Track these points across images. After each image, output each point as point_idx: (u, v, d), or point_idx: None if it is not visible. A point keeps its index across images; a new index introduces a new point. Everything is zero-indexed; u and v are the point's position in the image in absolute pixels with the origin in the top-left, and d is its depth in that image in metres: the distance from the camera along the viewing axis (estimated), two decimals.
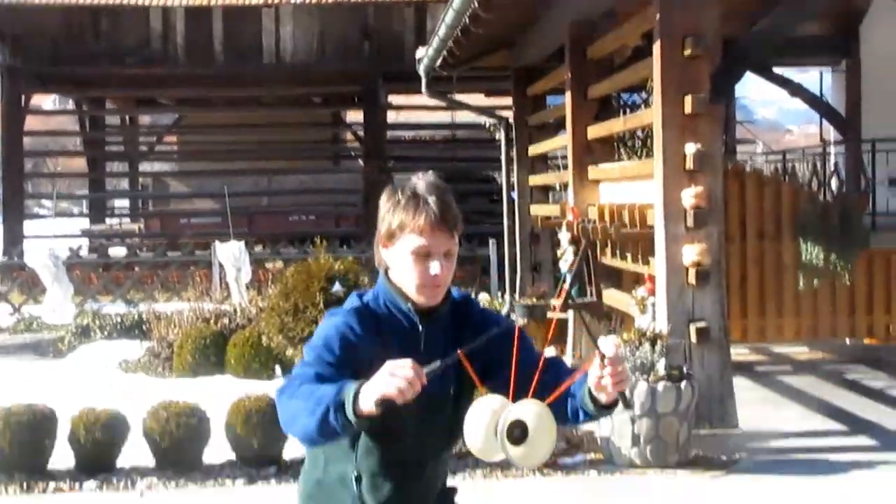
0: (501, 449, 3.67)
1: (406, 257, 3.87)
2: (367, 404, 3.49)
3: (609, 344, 3.79)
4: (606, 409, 3.83)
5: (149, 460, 10.10)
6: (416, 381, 3.48)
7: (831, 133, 19.77)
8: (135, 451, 10.10)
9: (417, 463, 4.05)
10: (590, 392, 3.80)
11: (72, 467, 10.12)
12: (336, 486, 4.03)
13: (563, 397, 3.98)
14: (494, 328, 3.96)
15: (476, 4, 13.00)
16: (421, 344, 3.91)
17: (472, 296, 4.24)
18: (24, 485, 9.87)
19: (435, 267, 3.85)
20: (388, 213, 3.94)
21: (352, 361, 3.80)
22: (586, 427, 11.02)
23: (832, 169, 18.33)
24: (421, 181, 3.95)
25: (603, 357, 3.69)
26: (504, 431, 3.64)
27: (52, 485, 9.89)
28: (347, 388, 3.58)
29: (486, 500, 9.44)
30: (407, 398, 3.48)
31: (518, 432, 3.64)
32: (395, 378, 3.46)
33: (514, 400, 3.75)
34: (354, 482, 3.95)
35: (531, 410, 3.68)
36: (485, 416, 3.70)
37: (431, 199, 3.86)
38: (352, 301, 4.00)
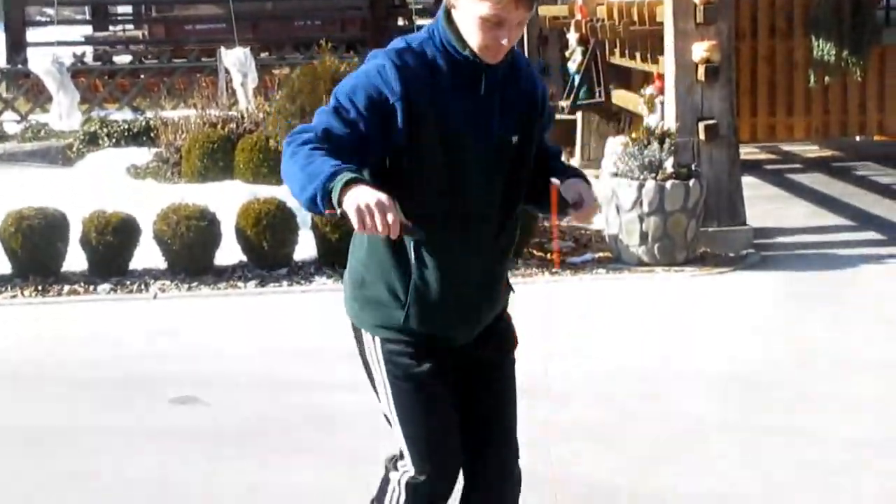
0: None
1: (475, 20, 3.64)
2: (348, 207, 3.35)
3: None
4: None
5: (161, 263, 10.18)
6: (384, 226, 3.32)
7: None
8: (147, 255, 10.18)
9: (479, 219, 3.82)
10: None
11: (85, 270, 10.23)
12: (390, 258, 3.79)
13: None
14: (531, 84, 3.90)
15: None
16: (482, 87, 3.73)
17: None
18: (39, 287, 10.01)
19: (504, 36, 3.64)
20: None
21: (380, 116, 3.61)
22: (594, 226, 11.12)
23: None
24: None
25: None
26: None
27: (66, 287, 10.02)
28: (338, 178, 3.40)
29: None
30: (370, 231, 3.35)
31: None
32: (367, 209, 3.31)
33: None
34: (412, 248, 3.74)
35: None
36: None
37: None
38: (396, 43, 3.76)
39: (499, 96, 3.77)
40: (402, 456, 3.96)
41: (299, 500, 5.70)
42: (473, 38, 3.66)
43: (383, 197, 3.33)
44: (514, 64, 3.83)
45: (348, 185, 3.36)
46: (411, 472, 3.90)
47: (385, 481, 4.00)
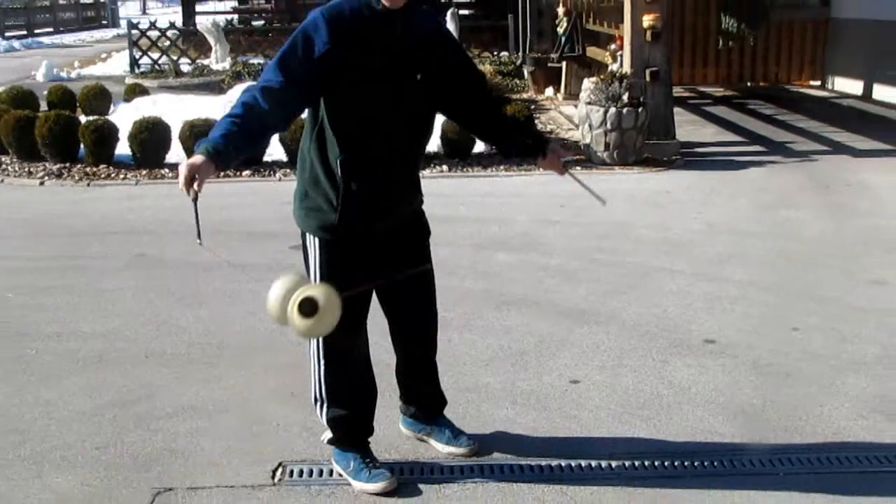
0: (290, 319, 3.28)
1: None
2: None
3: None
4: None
5: (283, 157, 10.08)
6: (187, 188, 3.22)
7: None
8: (278, 153, 10.15)
9: (395, 149, 3.62)
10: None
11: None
12: (324, 176, 3.58)
13: (503, 132, 4.01)
14: (431, 25, 3.71)
15: None
16: (389, 29, 3.47)
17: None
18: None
19: None
20: None
21: (312, 59, 3.39)
22: (574, 137, 11.11)
23: None
24: None
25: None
26: (295, 305, 3.26)
27: (222, 174, 10.01)
28: (197, 146, 3.31)
29: (491, 190, 9.54)
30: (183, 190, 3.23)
31: (308, 307, 3.27)
32: (181, 174, 3.21)
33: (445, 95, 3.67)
34: (339, 167, 3.53)
35: (322, 291, 3.32)
36: (281, 287, 3.32)
37: None
38: (331, 2, 3.50)
39: (406, 37, 3.53)
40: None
41: None
42: None
43: (185, 171, 3.20)
44: (417, 13, 3.58)
45: (197, 151, 3.27)
46: None
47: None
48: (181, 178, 3.22)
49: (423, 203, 3.91)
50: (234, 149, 3.33)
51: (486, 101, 3.94)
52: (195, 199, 3.28)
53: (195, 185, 3.23)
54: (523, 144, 4.01)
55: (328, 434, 3.85)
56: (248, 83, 15.61)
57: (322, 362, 3.72)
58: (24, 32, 38.78)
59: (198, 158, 3.25)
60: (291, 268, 3.59)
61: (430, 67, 3.60)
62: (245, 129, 3.35)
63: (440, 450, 4.04)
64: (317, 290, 3.32)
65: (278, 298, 3.30)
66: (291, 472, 3.91)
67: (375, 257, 3.70)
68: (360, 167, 3.55)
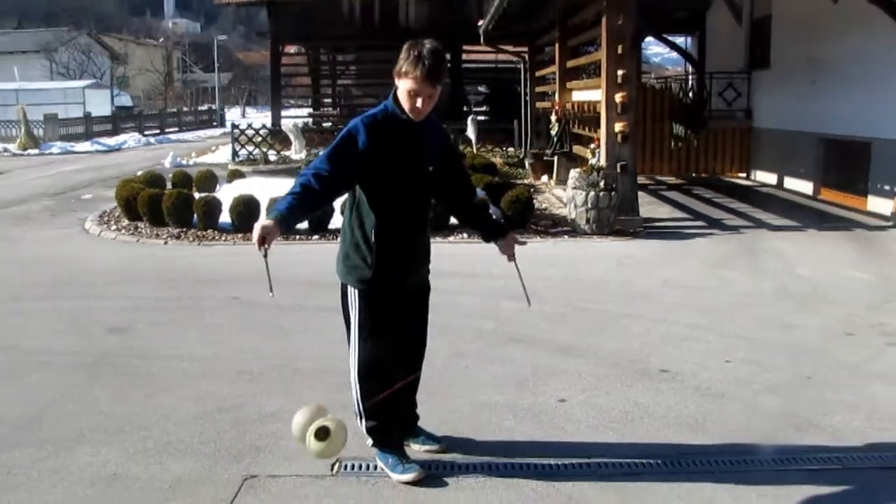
0: (306, 441, 3.51)
1: (405, 91, 3.48)
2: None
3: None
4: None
5: None
6: (259, 245, 3.30)
7: (689, 69, 19.45)
8: (339, 221, 10.12)
9: (413, 221, 3.65)
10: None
11: (306, 228, 10.08)
12: (361, 240, 3.60)
13: (476, 218, 3.97)
14: (441, 135, 3.74)
15: (506, 3, 12.96)
16: (412, 136, 3.54)
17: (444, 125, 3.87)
18: (284, 237, 10.00)
19: (419, 103, 3.48)
20: (403, 59, 3.46)
21: (354, 155, 3.45)
22: (563, 213, 11.11)
23: (690, 87, 18.08)
24: (427, 46, 3.45)
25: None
26: (313, 432, 3.50)
27: (297, 237, 9.95)
28: (270, 212, 3.41)
29: (499, 253, 9.53)
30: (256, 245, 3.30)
31: (322, 434, 3.50)
32: (255, 234, 3.28)
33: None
34: (373, 234, 3.55)
35: (335, 421, 3.54)
36: (303, 418, 3.56)
37: (428, 62, 3.41)
38: (367, 113, 3.56)
39: (422, 141, 3.59)
40: (352, 351, 3.72)
41: None
42: (405, 104, 3.50)
43: (258, 232, 3.28)
44: (431, 124, 3.63)
45: (268, 218, 3.35)
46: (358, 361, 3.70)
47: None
48: (255, 237, 3.31)
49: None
50: (293, 217, 3.44)
51: (470, 192, 3.99)
52: (265, 255, 3.34)
53: (266, 244, 3.30)
54: (490, 225, 3.99)
55: (370, 440, 3.84)
56: None
57: (358, 387, 3.72)
58: (157, 131, 39.32)
59: (267, 222, 3.33)
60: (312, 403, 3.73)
61: (439, 163, 3.67)
62: (302, 204, 3.44)
63: (416, 449, 3.99)
64: (330, 421, 3.52)
65: (301, 424, 3.54)
66: (346, 465, 3.88)
67: (399, 304, 3.69)
68: (388, 234, 3.57)
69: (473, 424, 4.30)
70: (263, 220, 3.35)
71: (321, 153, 3.56)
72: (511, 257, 3.99)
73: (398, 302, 3.68)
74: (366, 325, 3.64)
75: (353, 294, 3.67)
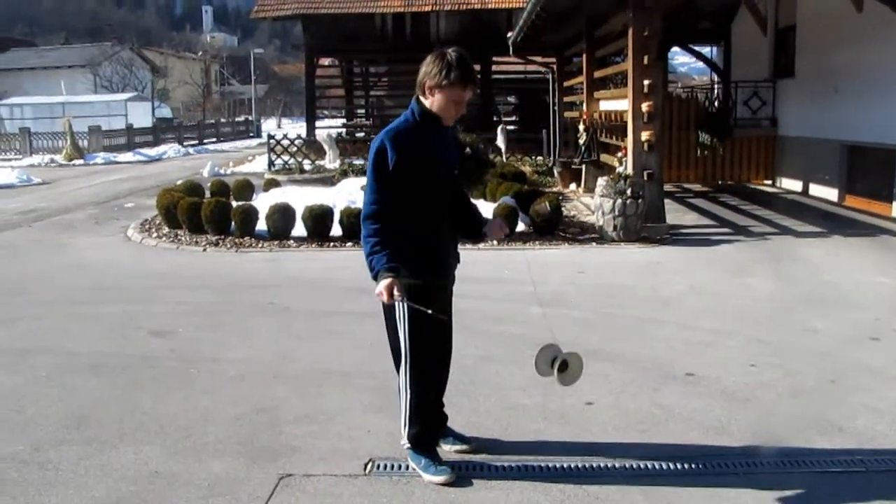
0: (553, 374, 3.71)
1: (446, 101, 3.52)
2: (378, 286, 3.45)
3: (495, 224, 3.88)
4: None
5: None
6: (386, 298, 3.45)
7: (715, 78, 19.31)
8: None
9: (442, 213, 3.68)
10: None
11: (340, 235, 10.25)
12: (406, 246, 3.58)
13: (465, 213, 3.87)
14: (454, 136, 3.90)
15: (535, 15, 12.89)
16: (439, 139, 3.61)
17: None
18: (317, 244, 10.12)
19: (461, 109, 3.58)
20: (436, 72, 3.50)
21: (388, 165, 3.49)
22: (591, 220, 11.08)
23: (715, 95, 17.96)
24: (453, 55, 3.51)
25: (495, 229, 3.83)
26: (557, 366, 3.71)
27: (331, 244, 10.13)
28: (379, 273, 3.46)
29: (527, 260, 9.51)
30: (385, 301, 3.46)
31: (563, 366, 3.71)
32: (381, 291, 3.43)
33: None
34: (414, 237, 3.57)
35: (573, 355, 3.74)
36: (546, 355, 3.73)
37: (461, 68, 3.48)
38: (390, 125, 3.60)
39: (446, 145, 3.68)
40: (405, 362, 3.69)
41: None
42: (445, 111, 3.57)
43: (384, 288, 3.44)
44: (449, 130, 3.70)
45: (380, 275, 3.46)
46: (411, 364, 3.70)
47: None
48: (385, 298, 3.48)
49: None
50: (391, 258, 3.51)
51: (462, 191, 3.99)
52: (404, 300, 3.54)
53: (396, 293, 3.48)
54: (476, 218, 3.91)
55: (406, 442, 3.84)
56: (352, 178, 15.95)
57: (409, 394, 3.72)
58: (196, 141, 39.75)
59: (386, 280, 3.47)
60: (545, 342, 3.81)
61: (458, 164, 3.77)
62: (384, 243, 3.51)
63: (447, 450, 4.00)
64: (571, 356, 3.74)
65: (545, 361, 3.74)
66: (379, 465, 3.91)
67: (440, 307, 3.67)
68: (428, 237, 3.62)
69: (502, 426, 4.31)
70: (381, 282, 3.46)
71: (366, 187, 3.59)
72: (501, 239, 4.02)
73: (440, 305, 3.66)
74: (415, 331, 3.63)
75: (401, 304, 3.64)
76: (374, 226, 3.54)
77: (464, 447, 4.02)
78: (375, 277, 3.50)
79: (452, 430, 4.08)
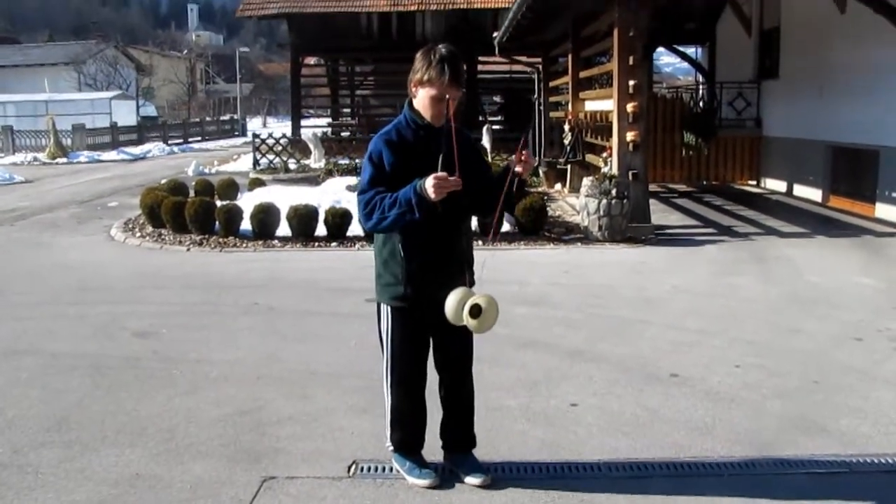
0: (463, 319, 3.32)
1: (429, 99, 3.37)
2: (428, 195, 3.20)
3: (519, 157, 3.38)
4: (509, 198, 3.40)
5: (361, 232, 10.08)
6: (445, 186, 3.19)
7: (700, 79, 19.40)
8: (357, 229, 10.12)
9: (442, 225, 3.43)
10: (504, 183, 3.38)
11: (325, 235, 10.23)
12: (392, 259, 3.48)
13: (490, 195, 3.44)
14: (466, 141, 3.50)
15: (520, 15, 12.92)
16: (434, 141, 3.36)
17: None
18: (302, 244, 10.09)
19: (444, 108, 3.37)
20: (424, 67, 3.37)
21: (382, 166, 3.38)
22: (575, 220, 11.09)
23: (700, 96, 18.03)
24: (444, 50, 3.37)
25: (521, 149, 3.33)
26: (468, 310, 3.31)
27: (316, 244, 10.09)
28: (418, 185, 3.23)
29: (512, 260, 9.52)
30: (442, 195, 3.20)
31: (476, 310, 3.33)
32: (434, 185, 3.18)
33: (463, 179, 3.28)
34: (401, 249, 3.44)
35: (485, 299, 3.35)
36: (455, 298, 3.33)
37: (450, 65, 3.33)
38: (385, 128, 3.48)
39: (443, 147, 3.34)
40: (385, 366, 3.65)
41: None
42: (427, 111, 3.41)
43: (431, 187, 3.19)
44: (458, 130, 3.35)
45: (417, 191, 3.24)
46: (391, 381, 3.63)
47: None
48: (441, 189, 3.21)
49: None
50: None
51: (492, 179, 3.59)
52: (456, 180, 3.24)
53: (446, 178, 3.22)
54: (499, 182, 3.44)
55: (390, 444, 3.81)
56: (338, 178, 15.90)
57: (390, 400, 3.69)
58: (181, 140, 39.59)
59: (429, 181, 3.22)
60: (460, 291, 3.42)
61: (464, 171, 3.34)
62: (385, 194, 3.34)
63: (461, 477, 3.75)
64: (481, 298, 3.35)
65: (453, 305, 3.35)
66: (362, 468, 3.88)
67: (438, 321, 3.46)
68: (417, 247, 3.44)
69: (486, 427, 4.28)
70: (427, 188, 3.21)
71: (360, 184, 3.44)
72: (526, 169, 3.42)
73: (437, 319, 3.44)
74: (397, 342, 3.57)
75: (385, 312, 3.58)
76: (368, 195, 3.37)
77: (477, 480, 3.70)
78: (419, 202, 3.25)
79: (472, 459, 3.80)
